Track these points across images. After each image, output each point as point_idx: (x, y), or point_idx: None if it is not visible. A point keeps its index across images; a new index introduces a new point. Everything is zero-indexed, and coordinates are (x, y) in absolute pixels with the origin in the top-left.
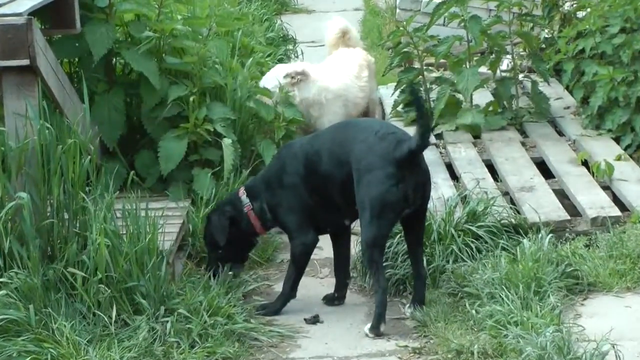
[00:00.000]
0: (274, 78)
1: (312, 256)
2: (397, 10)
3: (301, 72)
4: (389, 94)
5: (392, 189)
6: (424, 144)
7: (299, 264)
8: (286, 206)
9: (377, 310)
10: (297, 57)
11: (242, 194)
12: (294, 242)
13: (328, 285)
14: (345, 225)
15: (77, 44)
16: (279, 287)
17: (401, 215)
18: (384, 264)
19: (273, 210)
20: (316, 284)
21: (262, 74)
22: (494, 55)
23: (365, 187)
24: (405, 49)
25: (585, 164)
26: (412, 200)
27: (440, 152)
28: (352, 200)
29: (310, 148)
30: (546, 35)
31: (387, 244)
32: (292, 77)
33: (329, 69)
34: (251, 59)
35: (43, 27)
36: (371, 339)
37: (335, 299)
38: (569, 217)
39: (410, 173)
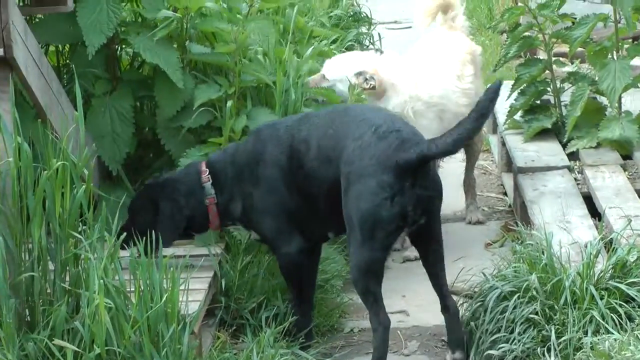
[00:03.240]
0: (343, 68)
1: (394, 324)
2: None
3: (374, 80)
4: (502, 97)
5: (385, 203)
6: (451, 149)
7: (291, 281)
8: (261, 208)
9: (376, 354)
10: (373, 43)
11: (207, 180)
12: (276, 254)
13: None
14: (328, 237)
15: (68, 27)
16: None
17: (398, 235)
18: (496, 335)
19: (247, 214)
20: None
21: None
22: None
23: (354, 199)
24: (526, 33)
25: None
26: (411, 219)
27: (576, 179)
28: (339, 210)
29: (297, 133)
30: None
31: (500, 308)
32: (366, 80)
33: (421, 63)
34: (311, 47)
35: (22, 3)
36: None
37: None
38: None
39: (413, 185)
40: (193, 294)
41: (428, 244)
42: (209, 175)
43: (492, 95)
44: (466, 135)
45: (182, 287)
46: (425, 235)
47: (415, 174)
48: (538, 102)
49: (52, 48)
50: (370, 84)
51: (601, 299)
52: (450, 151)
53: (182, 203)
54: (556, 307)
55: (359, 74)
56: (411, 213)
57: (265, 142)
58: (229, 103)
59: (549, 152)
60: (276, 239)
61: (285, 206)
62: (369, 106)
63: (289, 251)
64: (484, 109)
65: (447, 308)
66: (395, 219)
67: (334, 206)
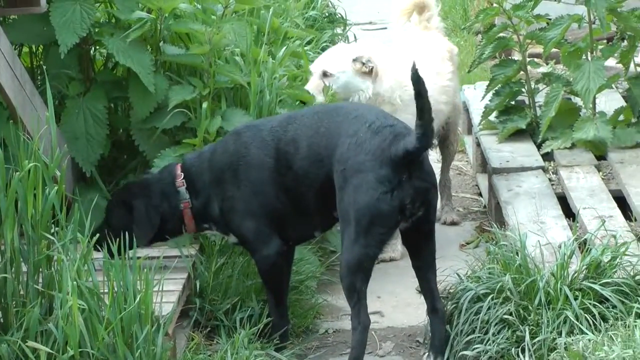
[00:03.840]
0: (339, 60)
1: (371, 325)
2: None
3: (372, 62)
4: (477, 97)
5: (385, 197)
6: (423, 146)
7: (270, 284)
8: (243, 210)
9: (353, 353)
10: (348, 44)
11: (182, 184)
12: (254, 257)
13: None
14: (314, 236)
15: (41, 28)
16: None
17: (394, 230)
18: (471, 336)
19: (226, 217)
20: None
21: (299, 67)
22: (626, 43)
23: (351, 194)
24: (501, 34)
25: None
26: (409, 211)
27: (550, 180)
28: (329, 208)
29: (283, 134)
30: None
31: (474, 309)
32: (364, 64)
33: (405, 56)
34: (284, 47)
35: None
36: None
37: None
38: None
39: (409, 177)
40: (167, 296)
41: (422, 240)
42: (184, 180)
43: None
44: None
45: (156, 289)
46: (421, 230)
47: (411, 166)
48: (513, 102)
49: (25, 49)
50: (369, 67)
51: (575, 299)
52: (425, 147)
53: (156, 204)
54: (530, 307)
55: (355, 59)
56: (409, 206)
57: (247, 144)
58: (205, 104)
59: (524, 152)
60: (255, 242)
61: (270, 208)
62: (359, 104)
63: (268, 253)
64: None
65: (437, 311)
66: (395, 212)
67: (323, 204)
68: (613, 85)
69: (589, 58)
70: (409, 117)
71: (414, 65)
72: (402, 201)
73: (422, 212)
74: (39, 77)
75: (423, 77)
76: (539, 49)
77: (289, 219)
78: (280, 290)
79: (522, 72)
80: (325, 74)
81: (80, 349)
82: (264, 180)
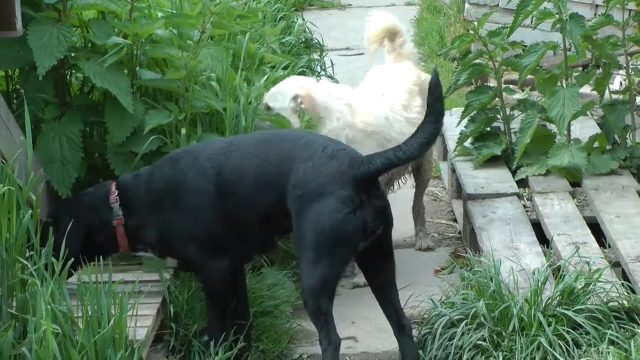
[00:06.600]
0: (281, 96)
1: (343, 350)
2: (466, 5)
3: (308, 98)
4: (452, 124)
5: (349, 217)
6: (422, 152)
7: (218, 299)
8: (185, 235)
9: None
10: (324, 70)
11: (115, 201)
12: (203, 272)
13: None
14: (252, 258)
15: (18, 52)
16: None
17: (356, 250)
18: None
19: (166, 242)
20: None
21: None
22: (601, 70)
23: (313, 219)
24: (476, 61)
25: None
26: (370, 230)
27: (525, 206)
28: (272, 233)
29: (225, 161)
30: None
31: (448, 335)
32: (301, 103)
33: (360, 91)
34: (266, 76)
35: None
36: None
37: None
38: None
39: (368, 196)
40: (141, 320)
41: (383, 258)
42: (118, 197)
43: (436, 92)
44: (429, 137)
45: (130, 313)
46: (382, 248)
47: (369, 187)
48: (488, 129)
49: (1, 73)
50: (301, 107)
51: (549, 325)
52: (415, 155)
53: (83, 217)
54: (504, 333)
55: (294, 98)
56: (371, 225)
57: (185, 170)
58: (183, 130)
59: (499, 179)
60: (204, 260)
61: (211, 232)
62: (304, 131)
63: (219, 267)
64: (437, 110)
65: (404, 327)
66: (359, 231)
67: (264, 229)
68: (588, 112)
69: (564, 85)
70: (364, 150)
71: (434, 70)
72: (365, 220)
73: (381, 230)
74: (14, 101)
75: (384, 111)
76: (514, 76)
77: (227, 242)
78: (226, 309)
79: (497, 99)
80: (268, 107)
81: None
82: (204, 207)
